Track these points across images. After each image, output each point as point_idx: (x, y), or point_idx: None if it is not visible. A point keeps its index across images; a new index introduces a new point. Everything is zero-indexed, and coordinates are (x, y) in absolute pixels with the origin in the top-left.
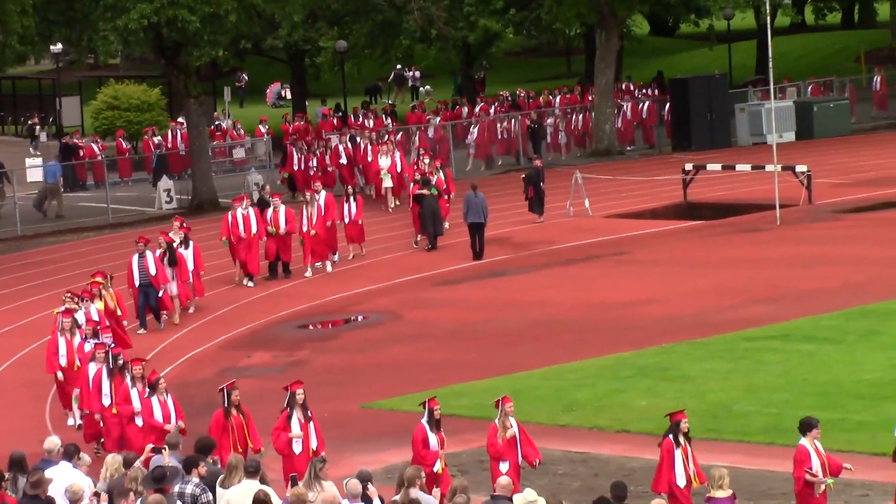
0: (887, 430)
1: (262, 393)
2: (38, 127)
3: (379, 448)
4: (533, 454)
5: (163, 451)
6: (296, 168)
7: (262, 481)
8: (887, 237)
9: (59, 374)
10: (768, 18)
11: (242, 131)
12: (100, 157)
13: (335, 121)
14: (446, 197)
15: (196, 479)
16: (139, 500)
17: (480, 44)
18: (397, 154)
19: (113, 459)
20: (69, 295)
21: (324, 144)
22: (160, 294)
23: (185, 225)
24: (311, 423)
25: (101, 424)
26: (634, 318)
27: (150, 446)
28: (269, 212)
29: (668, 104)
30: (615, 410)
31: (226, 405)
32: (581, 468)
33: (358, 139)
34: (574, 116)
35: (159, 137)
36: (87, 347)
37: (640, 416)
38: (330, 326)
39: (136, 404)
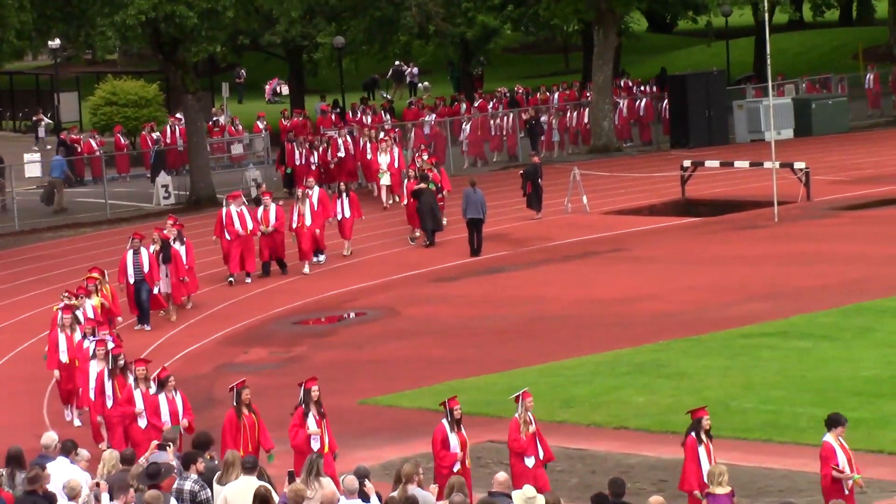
0: (883, 427)
1: (258, 389)
2: (43, 122)
3: (376, 444)
4: (548, 454)
5: (167, 447)
6: (298, 163)
7: (261, 477)
8: (884, 234)
9: (56, 373)
10: (766, 15)
11: (241, 127)
12: (98, 153)
13: (333, 117)
14: (442, 194)
15: (194, 476)
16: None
17: (478, 40)
18: (396, 151)
19: (110, 455)
20: (66, 294)
21: (326, 140)
22: (155, 292)
23: (178, 222)
24: (325, 420)
25: (103, 425)
26: (632, 314)
27: (154, 443)
28: (260, 210)
29: (665, 101)
30: (612, 407)
31: (236, 404)
32: (578, 465)
33: (356, 134)
34: (569, 113)
35: (157, 133)
36: (87, 345)
37: (638, 412)
38: (327, 322)
39: (139, 405)
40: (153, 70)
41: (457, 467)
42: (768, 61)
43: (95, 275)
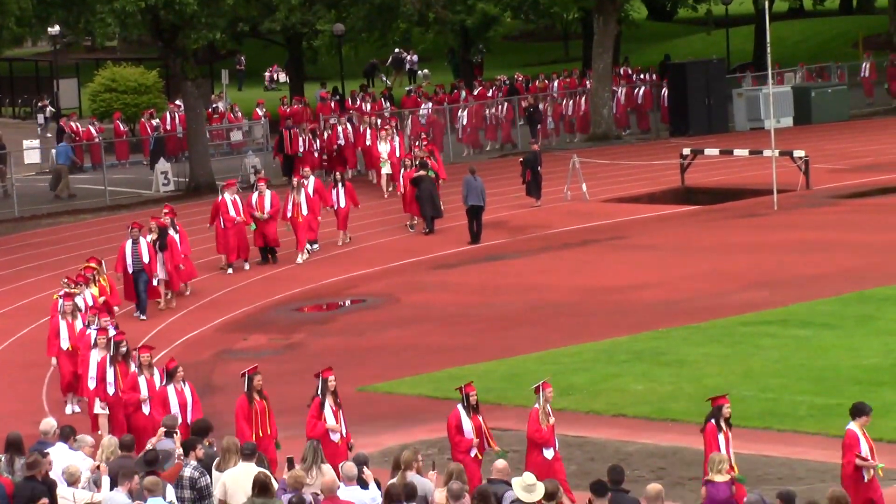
0: (884, 415)
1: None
2: (48, 109)
3: (375, 431)
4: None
5: (174, 434)
6: (302, 150)
7: (260, 464)
8: (884, 223)
9: (54, 360)
10: (766, 3)
11: (240, 114)
12: (97, 140)
13: (333, 104)
14: (438, 183)
15: (194, 463)
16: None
17: (478, 27)
18: (396, 139)
19: (109, 441)
20: (66, 280)
21: (330, 127)
22: (154, 283)
23: (171, 210)
24: (341, 411)
25: (106, 412)
26: (631, 302)
27: (162, 430)
28: (255, 196)
29: (664, 89)
30: (611, 395)
31: (247, 390)
32: (577, 452)
33: (355, 122)
34: (565, 101)
35: (157, 120)
36: (89, 333)
37: (637, 400)
38: (327, 308)
39: (144, 392)
40: (153, 57)
41: (473, 452)
42: (768, 50)
43: (93, 264)
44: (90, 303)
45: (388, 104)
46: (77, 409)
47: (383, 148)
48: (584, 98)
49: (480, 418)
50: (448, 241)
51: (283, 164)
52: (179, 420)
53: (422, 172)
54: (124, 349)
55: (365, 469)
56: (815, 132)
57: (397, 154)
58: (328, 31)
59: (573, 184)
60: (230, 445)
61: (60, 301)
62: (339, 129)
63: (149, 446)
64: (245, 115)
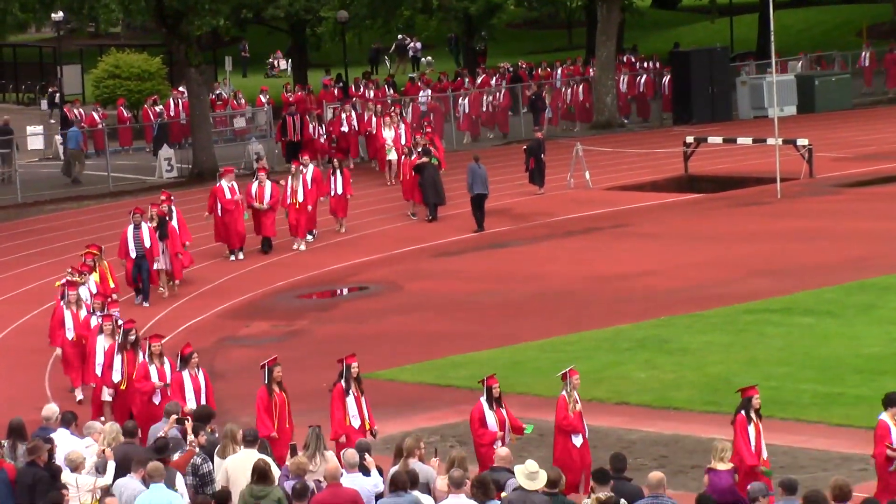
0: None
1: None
2: (57, 95)
3: (377, 418)
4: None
5: (185, 422)
6: (314, 136)
7: (262, 451)
8: (887, 211)
9: (58, 350)
10: None
11: (243, 101)
12: (100, 126)
13: (336, 91)
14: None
15: (197, 449)
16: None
17: (482, 15)
18: (402, 126)
19: (111, 427)
20: (70, 270)
21: (339, 112)
22: (155, 267)
23: (170, 198)
24: (364, 398)
25: (111, 400)
26: (634, 290)
27: (173, 416)
28: (254, 186)
29: (666, 77)
30: (614, 382)
31: (267, 382)
32: None
33: (359, 109)
34: (563, 90)
35: (160, 106)
36: (94, 321)
37: (639, 388)
38: (329, 295)
39: (156, 380)
40: (156, 43)
41: (497, 445)
42: (772, 38)
43: (94, 251)
44: (94, 290)
45: (390, 91)
46: (80, 397)
47: (388, 135)
48: (581, 87)
49: (504, 411)
50: (451, 229)
51: (286, 150)
52: (194, 405)
53: (424, 159)
54: (133, 337)
55: (367, 456)
56: (819, 121)
57: (402, 141)
58: (332, 18)
59: (576, 171)
60: (230, 433)
61: (65, 290)
62: (343, 115)
63: (159, 433)
64: (249, 101)
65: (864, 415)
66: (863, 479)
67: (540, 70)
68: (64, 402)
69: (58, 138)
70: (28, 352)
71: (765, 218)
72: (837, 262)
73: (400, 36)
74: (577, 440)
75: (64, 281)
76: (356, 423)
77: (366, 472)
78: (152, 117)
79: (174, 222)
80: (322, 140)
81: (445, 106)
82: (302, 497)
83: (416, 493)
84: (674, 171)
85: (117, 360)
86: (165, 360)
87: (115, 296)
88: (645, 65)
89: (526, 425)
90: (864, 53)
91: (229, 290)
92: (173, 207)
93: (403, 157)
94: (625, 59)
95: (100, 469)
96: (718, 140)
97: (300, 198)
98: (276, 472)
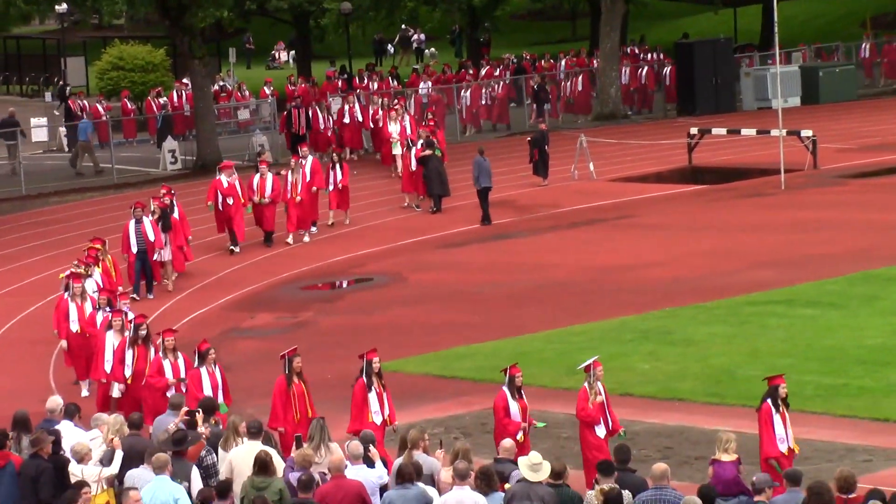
0: (889, 395)
1: (266, 353)
2: (68, 88)
3: None
4: (615, 424)
5: (196, 413)
6: (322, 127)
7: (266, 442)
8: (891, 203)
9: (64, 344)
10: None
11: (247, 93)
12: (104, 118)
13: (340, 83)
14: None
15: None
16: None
17: (485, 6)
18: (407, 119)
19: (115, 420)
20: (76, 262)
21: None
22: (155, 258)
23: (171, 191)
24: (386, 392)
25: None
26: (638, 281)
27: (185, 409)
28: (256, 179)
29: (668, 68)
30: (618, 374)
31: (287, 372)
32: None
33: (363, 101)
34: (563, 82)
35: (164, 98)
36: (100, 316)
37: (643, 379)
38: (336, 287)
39: (170, 376)
40: (160, 35)
41: (519, 436)
42: (776, 29)
43: (98, 245)
44: (101, 284)
45: (394, 83)
46: (86, 393)
47: (393, 129)
48: (580, 78)
49: (525, 400)
50: (455, 220)
51: (290, 141)
52: (184, 399)
53: (428, 151)
54: (144, 332)
55: (371, 448)
56: (823, 112)
57: (408, 133)
58: (335, 10)
59: (580, 163)
60: (232, 425)
61: (70, 282)
62: (346, 107)
63: (171, 426)
64: (253, 93)
65: (868, 406)
66: (867, 471)
67: (543, 62)
68: (68, 394)
69: (62, 130)
70: (32, 344)
71: (769, 209)
72: (841, 252)
73: (403, 27)
74: (601, 431)
75: (68, 273)
76: (378, 419)
77: (370, 463)
78: (156, 109)
79: (175, 216)
80: (329, 133)
81: (448, 98)
82: (308, 489)
83: (421, 484)
84: (678, 162)
85: (128, 355)
86: (179, 354)
87: (121, 288)
88: (649, 56)
89: (537, 422)
90: (864, 45)
91: (234, 282)
92: (174, 201)
93: (404, 149)
94: (628, 50)
95: (104, 460)
96: (722, 131)
97: (299, 190)
98: (279, 463)
